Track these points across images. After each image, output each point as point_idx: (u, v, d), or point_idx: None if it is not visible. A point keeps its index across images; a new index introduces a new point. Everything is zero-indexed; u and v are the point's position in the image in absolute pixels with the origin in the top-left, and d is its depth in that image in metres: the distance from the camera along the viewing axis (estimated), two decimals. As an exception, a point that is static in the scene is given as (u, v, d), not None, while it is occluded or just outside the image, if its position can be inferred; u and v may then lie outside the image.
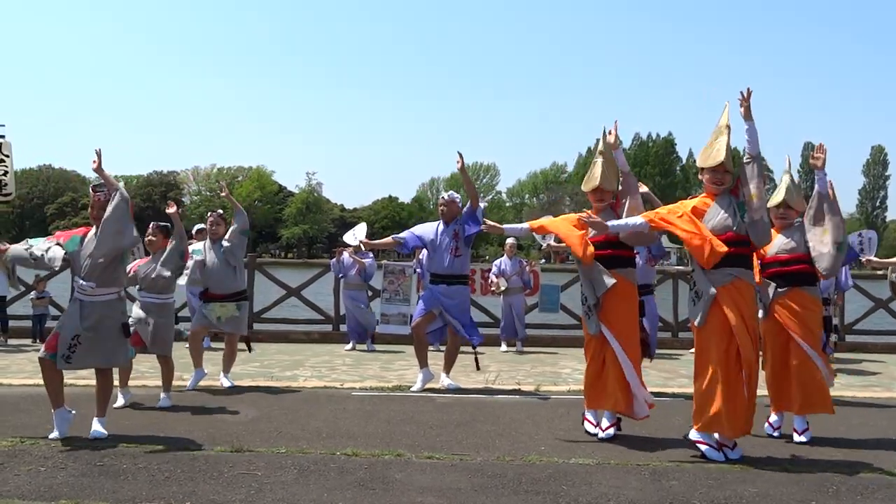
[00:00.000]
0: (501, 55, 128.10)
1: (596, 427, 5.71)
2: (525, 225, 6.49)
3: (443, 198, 7.79)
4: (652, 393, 7.28)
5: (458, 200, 7.75)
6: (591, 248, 5.68)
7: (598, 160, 5.95)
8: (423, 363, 7.68)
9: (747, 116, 5.07)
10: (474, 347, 7.74)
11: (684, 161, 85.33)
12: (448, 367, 7.76)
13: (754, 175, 5.09)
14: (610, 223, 5.47)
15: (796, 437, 5.63)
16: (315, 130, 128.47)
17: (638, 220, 5.40)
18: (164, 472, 4.59)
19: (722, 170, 5.18)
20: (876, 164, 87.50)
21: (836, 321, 10.53)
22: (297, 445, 5.26)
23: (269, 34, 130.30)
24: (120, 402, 6.51)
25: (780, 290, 5.76)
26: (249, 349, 8.32)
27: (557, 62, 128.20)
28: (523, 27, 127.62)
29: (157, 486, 4.33)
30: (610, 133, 5.83)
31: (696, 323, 5.17)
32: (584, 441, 5.55)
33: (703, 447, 5.07)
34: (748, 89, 5.07)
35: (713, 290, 5.07)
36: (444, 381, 7.68)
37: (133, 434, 5.53)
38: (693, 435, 5.14)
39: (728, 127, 5.21)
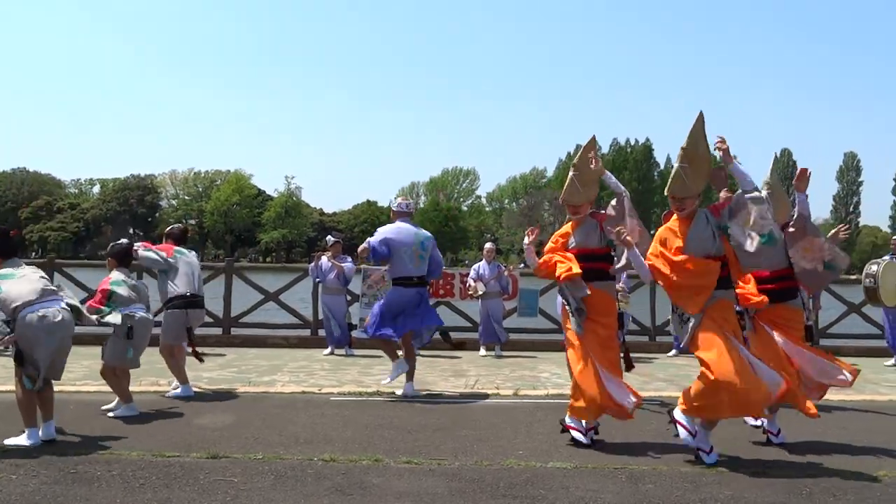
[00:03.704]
0: (481, 60, 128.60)
1: (581, 433, 5.60)
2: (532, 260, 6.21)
3: (412, 203, 8.13)
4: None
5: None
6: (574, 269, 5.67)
7: (570, 174, 5.91)
8: (395, 356, 7.73)
9: (728, 162, 5.04)
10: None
11: (662, 167, 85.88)
12: (411, 375, 7.72)
13: (746, 205, 5.03)
14: (632, 253, 5.36)
15: (773, 439, 5.69)
16: (294, 134, 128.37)
17: (646, 268, 5.36)
18: (139, 478, 4.55)
19: (671, 199, 5.22)
20: (849, 170, 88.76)
21: (810, 322, 10.64)
22: (274, 451, 5.23)
23: (248, 38, 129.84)
24: (116, 409, 6.44)
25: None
26: (199, 359, 7.70)
27: (537, 67, 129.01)
28: (502, 33, 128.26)
29: (131, 493, 4.29)
30: (593, 163, 5.80)
31: (682, 344, 5.25)
32: (562, 445, 5.56)
33: (679, 428, 5.12)
34: (720, 137, 5.05)
35: (700, 315, 5.08)
36: (410, 389, 7.61)
37: (107, 440, 5.47)
38: (678, 415, 5.17)
39: (683, 149, 5.15)
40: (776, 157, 6.73)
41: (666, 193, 5.27)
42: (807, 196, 5.87)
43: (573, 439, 5.55)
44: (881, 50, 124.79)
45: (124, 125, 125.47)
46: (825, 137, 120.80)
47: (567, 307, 5.72)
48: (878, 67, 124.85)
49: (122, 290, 6.48)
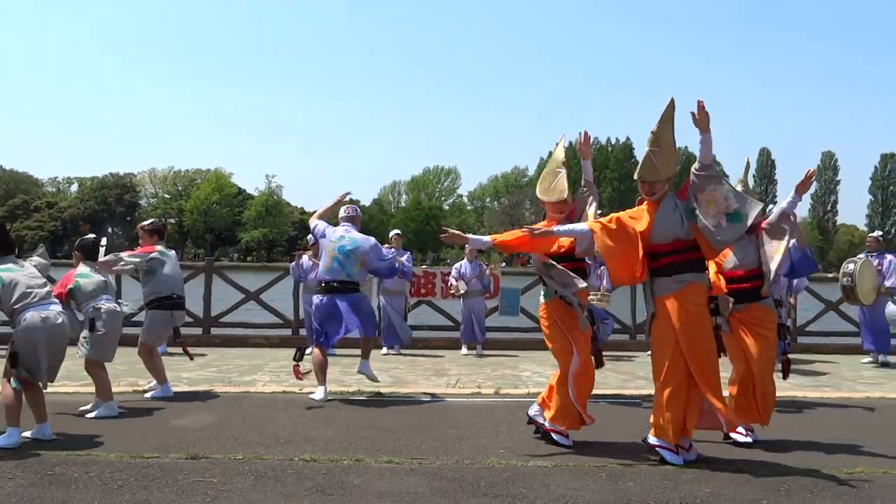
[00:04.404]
0: (462, 59, 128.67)
1: (562, 435, 5.60)
2: (488, 238, 6.43)
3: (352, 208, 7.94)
4: (609, 395, 7.40)
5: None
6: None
7: (562, 171, 5.84)
8: (321, 379, 7.45)
9: (705, 128, 4.98)
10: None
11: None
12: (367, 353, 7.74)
13: (708, 183, 5.05)
14: (555, 228, 5.47)
15: (740, 438, 5.66)
16: (274, 132, 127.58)
17: (583, 226, 5.36)
18: (117, 480, 4.51)
19: (641, 184, 5.22)
20: (827, 170, 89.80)
21: (789, 322, 10.74)
22: (254, 451, 5.20)
23: (228, 37, 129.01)
24: (95, 409, 6.39)
25: (737, 305, 5.79)
26: (190, 357, 7.79)
27: (518, 66, 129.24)
28: (485, 32, 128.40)
29: (109, 495, 4.25)
30: (583, 143, 5.81)
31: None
32: (543, 444, 5.57)
33: (662, 451, 5.07)
34: (700, 101, 4.98)
35: (653, 308, 5.19)
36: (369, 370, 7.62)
37: (85, 442, 5.42)
38: (651, 440, 5.15)
39: (653, 133, 5.14)
40: (748, 162, 6.77)
41: (635, 177, 5.29)
42: (801, 199, 5.91)
43: (555, 441, 5.56)
44: (860, 50, 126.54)
45: (103, 123, 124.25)
46: (803, 137, 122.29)
47: (563, 298, 5.64)
48: (856, 67, 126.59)
49: (87, 283, 6.46)
